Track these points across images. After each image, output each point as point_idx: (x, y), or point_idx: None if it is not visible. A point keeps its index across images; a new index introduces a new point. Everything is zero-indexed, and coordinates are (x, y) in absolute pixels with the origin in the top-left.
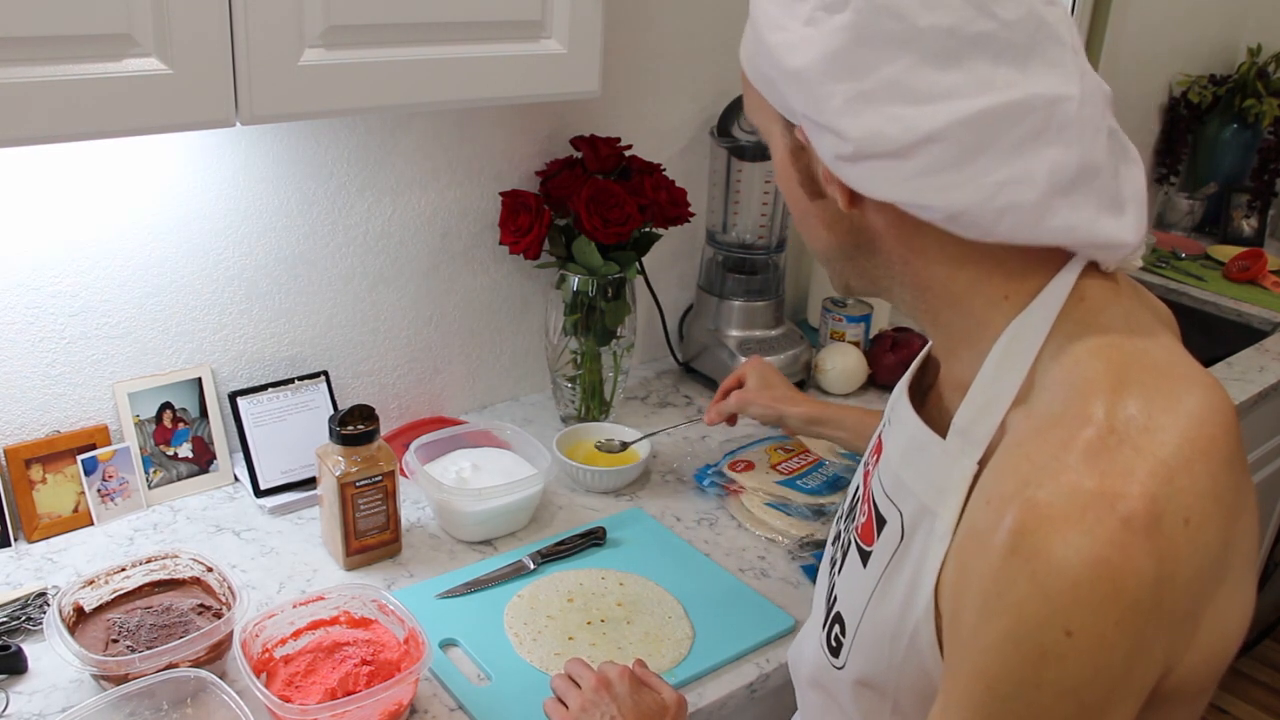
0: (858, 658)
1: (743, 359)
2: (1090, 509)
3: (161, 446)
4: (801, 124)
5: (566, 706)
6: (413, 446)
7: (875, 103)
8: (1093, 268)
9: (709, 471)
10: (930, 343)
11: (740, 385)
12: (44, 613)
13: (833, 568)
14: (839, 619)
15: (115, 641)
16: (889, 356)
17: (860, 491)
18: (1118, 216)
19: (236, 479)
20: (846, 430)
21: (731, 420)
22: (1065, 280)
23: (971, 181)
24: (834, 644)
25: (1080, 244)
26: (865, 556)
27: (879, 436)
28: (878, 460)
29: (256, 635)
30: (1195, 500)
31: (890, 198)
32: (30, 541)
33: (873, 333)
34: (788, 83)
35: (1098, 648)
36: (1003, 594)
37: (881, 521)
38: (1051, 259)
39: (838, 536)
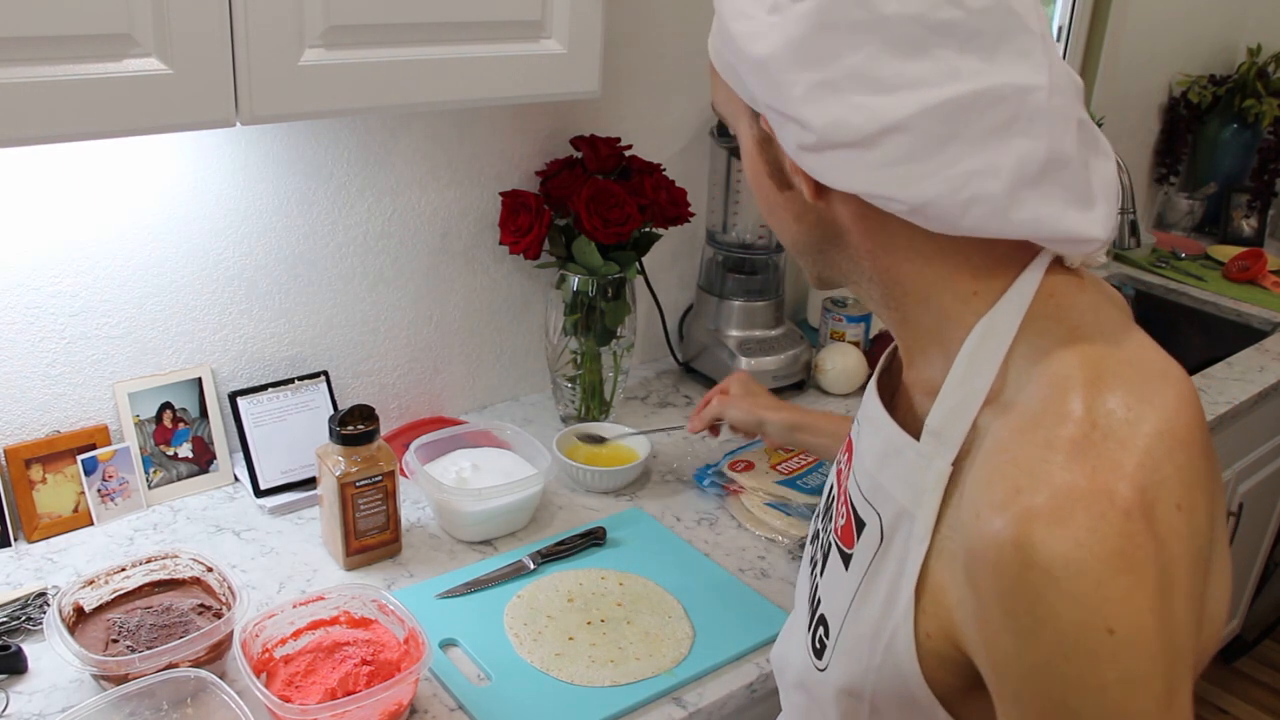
0: (840, 659)
1: (743, 359)
2: (1091, 507)
3: (161, 446)
4: (765, 114)
5: None
6: (413, 446)
7: (839, 91)
8: (1058, 263)
9: (709, 471)
10: (895, 343)
11: (724, 395)
12: (44, 613)
13: (814, 569)
14: (823, 620)
15: (115, 641)
16: None
17: (835, 491)
18: (1087, 210)
19: (236, 479)
20: (827, 436)
21: (714, 430)
22: (1032, 277)
23: (937, 173)
24: (818, 645)
25: (1047, 237)
26: (846, 559)
27: (850, 437)
28: (850, 460)
29: (256, 635)
30: (1182, 487)
31: (854, 188)
32: (30, 541)
33: (873, 333)
34: (751, 72)
35: (1142, 637)
36: (1032, 610)
37: (861, 524)
38: (1018, 255)
39: (816, 535)
